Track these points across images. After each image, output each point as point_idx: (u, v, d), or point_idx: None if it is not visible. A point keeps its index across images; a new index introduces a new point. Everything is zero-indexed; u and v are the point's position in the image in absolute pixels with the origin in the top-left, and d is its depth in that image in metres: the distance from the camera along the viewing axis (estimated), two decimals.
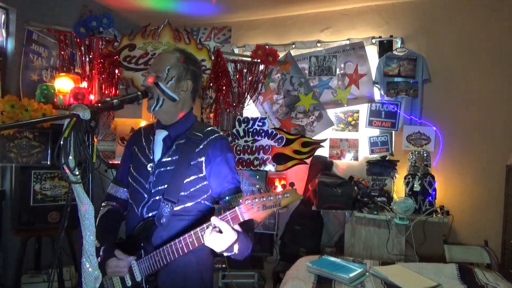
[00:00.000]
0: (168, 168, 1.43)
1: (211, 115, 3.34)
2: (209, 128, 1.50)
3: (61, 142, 1.08)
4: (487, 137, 3.15)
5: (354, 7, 3.61)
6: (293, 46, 3.73)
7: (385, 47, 3.43)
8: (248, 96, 3.42)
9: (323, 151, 3.55)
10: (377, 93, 3.48)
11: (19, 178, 2.69)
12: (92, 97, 2.81)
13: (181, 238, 1.31)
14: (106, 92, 2.77)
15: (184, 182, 1.41)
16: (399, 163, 3.24)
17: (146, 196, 1.45)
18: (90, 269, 1.24)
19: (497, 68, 3.13)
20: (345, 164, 3.61)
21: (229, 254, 1.28)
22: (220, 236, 1.21)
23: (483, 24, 3.18)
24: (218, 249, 1.24)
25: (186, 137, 1.45)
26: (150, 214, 1.43)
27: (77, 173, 1.11)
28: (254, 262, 3.37)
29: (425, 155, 3.13)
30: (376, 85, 3.46)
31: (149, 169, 1.46)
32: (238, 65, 3.33)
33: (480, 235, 3.09)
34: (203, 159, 1.42)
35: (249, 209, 1.21)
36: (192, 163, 1.41)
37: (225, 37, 4.06)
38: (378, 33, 3.51)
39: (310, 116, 3.67)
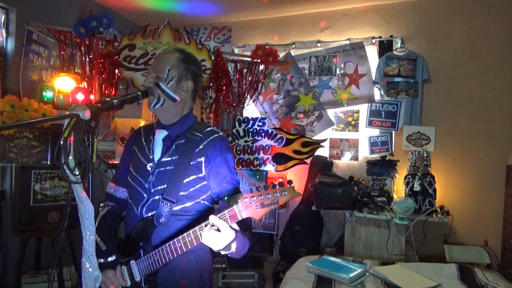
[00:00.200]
0: (167, 168, 1.43)
1: (211, 115, 3.34)
2: (209, 128, 1.50)
3: (61, 142, 1.08)
4: (487, 137, 3.15)
5: (354, 7, 3.61)
6: (293, 46, 3.73)
7: (385, 47, 3.43)
8: (248, 96, 3.42)
9: (323, 151, 3.55)
10: (377, 93, 3.48)
11: (19, 178, 2.69)
12: (92, 97, 2.81)
13: (180, 237, 1.31)
14: (106, 92, 2.77)
15: (184, 182, 1.41)
16: (399, 163, 3.24)
17: (145, 196, 1.45)
18: (90, 269, 1.24)
19: (497, 68, 3.13)
20: (345, 164, 3.62)
21: (226, 252, 1.29)
22: (218, 235, 1.22)
23: (483, 24, 3.18)
24: (215, 247, 1.25)
25: (186, 137, 1.45)
26: (149, 214, 1.43)
27: (77, 173, 1.11)
28: (254, 262, 3.37)
29: (425, 155, 3.13)
30: (376, 85, 3.46)
31: (149, 169, 1.46)
32: (238, 65, 3.33)
33: (480, 235, 3.09)
34: (202, 159, 1.42)
35: (247, 207, 1.21)
36: (191, 163, 1.41)
37: (225, 37, 4.06)
38: (378, 33, 3.51)
39: (310, 116, 3.67)
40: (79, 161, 1.11)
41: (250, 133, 3.45)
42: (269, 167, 3.40)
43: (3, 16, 2.79)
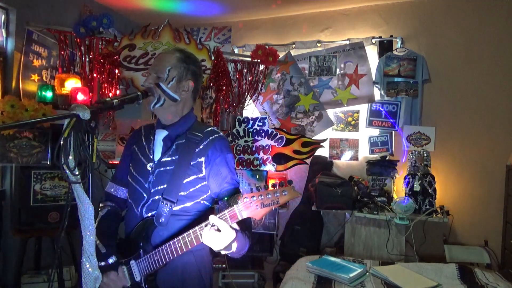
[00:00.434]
0: (167, 168, 1.43)
1: (211, 115, 3.34)
2: (209, 129, 1.50)
3: (61, 142, 1.08)
4: (487, 137, 3.15)
5: (354, 7, 3.61)
6: (293, 46, 3.73)
7: (385, 47, 3.43)
8: (248, 96, 3.42)
9: (323, 151, 3.55)
10: (377, 93, 3.48)
11: (19, 178, 2.69)
12: (92, 97, 2.81)
13: (180, 237, 1.31)
14: (106, 92, 2.77)
15: (184, 182, 1.41)
16: (399, 163, 3.24)
17: (145, 195, 1.45)
18: (90, 269, 1.24)
19: (497, 68, 3.13)
20: (345, 164, 3.61)
21: (227, 252, 1.29)
22: (218, 235, 1.21)
23: (483, 24, 3.18)
24: (216, 247, 1.24)
25: (186, 137, 1.45)
26: (149, 214, 1.43)
27: (77, 173, 1.11)
28: (254, 262, 3.37)
29: (425, 155, 3.13)
30: (376, 85, 3.46)
31: (149, 168, 1.46)
32: (238, 65, 3.33)
33: (480, 235, 3.09)
34: (202, 159, 1.42)
35: (247, 207, 1.21)
36: (192, 163, 1.41)
37: (225, 37, 4.06)
38: (378, 33, 3.51)
39: (310, 116, 3.67)
40: (79, 161, 1.11)
41: (250, 133, 3.45)
42: (269, 167, 3.40)
43: (3, 16, 2.79)
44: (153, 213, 1.42)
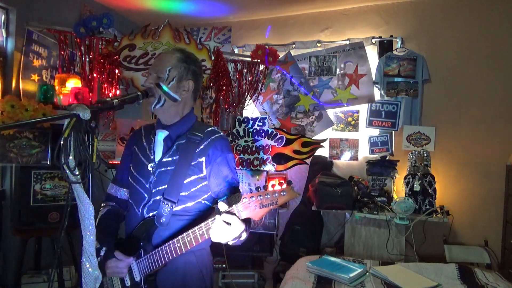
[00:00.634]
0: (168, 168, 1.43)
1: (211, 115, 3.34)
2: (210, 128, 1.50)
3: (61, 142, 1.08)
4: (487, 137, 3.15)
5: (354, 7, 3.61)
6: (293, 46, 3.73)
7: (385, 47, 3.43)
8: (248, 96, 3.42)
9: (323, 151, 3.55)
10: (377, 93, 3.48)
11: (19, 178, 2.68)
12: (92, 97, 2.81)
13: (179, 237, 1.32)
14: (106, 92, 2.77)
15: (185, 182, 1.41)
16: (399, 163, 3.24)
17: (146, 196, 1.45)
18: (90, 269, 1.24)
19: (497, 68, 3.13)
20: (345, 164, 3.61)
21: (234, 242, 1.28)
22: (228, 228, 1.21)
23: (483, 24, 3.18)
24: (224, 240, 1.25)
25: (187, 137, 1.46)
26: (150, 214, 1.43)
27: (77, 173, 1.11)
28: (254, 262, 3.37)
29: (425, 155, 3.13)
30: (376, 85, 3.46)
31: (150, 169, 1.46)
32: (238, 65, 3.33)
33: (480, 235, 3.09)
34: (203, 159, 1.42)
35: (246, 208, 1.22)
36: (192, 163, 1.42)
37: (225, 37, 4.06)
38: (378, 33, 3.51)
39: (310, 116, 3.67)
40: (79, 161, 1.11)
41: (250, 133, 3.45)
42: (269, 167, 3.40)
43: (3, 16, 2.79)
44: (154, 213, 1.42)
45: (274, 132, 3.42)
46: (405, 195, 2.99)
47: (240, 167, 3.39)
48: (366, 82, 3.48)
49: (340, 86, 3.58)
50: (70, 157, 1.10)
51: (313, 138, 3.55)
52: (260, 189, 1.22)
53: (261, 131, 3.44)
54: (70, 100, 2.74)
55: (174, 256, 1.34)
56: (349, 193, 3.02)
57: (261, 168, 3.39)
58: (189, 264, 1.44)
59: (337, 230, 3.48)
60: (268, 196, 1.21)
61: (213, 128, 1.52)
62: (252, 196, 1.21)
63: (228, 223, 1.21)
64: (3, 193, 2.77)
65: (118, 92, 2.82)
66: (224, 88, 3.11)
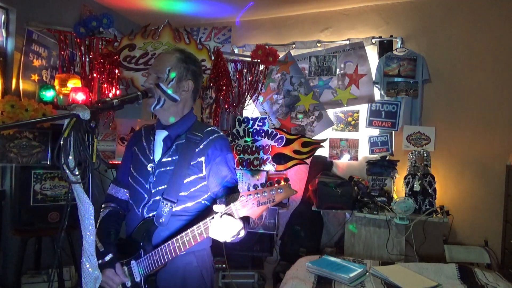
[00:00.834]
0: (168, 168, 1.43)
1: (212, 115, 3.34)
2: (209, 128, 1.50)
3: (61, 142, 1.08)
4: (487, 137, 3.15)
5: (354, 7, 3.61)
6: (293, 46, 3.73)
7: (385, 47, 3.43)
8: (248, 96, 3.42)
9: (323, 151, 3.55)
10: (377, 93, 3.48)
11: (19, 178, 2.69)
12: (92, 97, 2.81)
13: (178, 237, 1.32)
14: (106, 92, 2.77)
15: (184, 182, 1.41)
16: (399, 163, 3.24)
17: (146, 196, 1.45)
18: (90, 269, 1.24)
19: (497, 68, 3.13)
20: (345, 164, 3.61)
21: (233, 239, 1.29)
22: (226, 227, 1.22)
23: (483, 24, 3.18)
24: (222, 239, 1.26)
25: (186, 137, 1.46)
26: (150, 214, 1.43)
27: (77, 173, 1.11)
28: (254, 262, 3.37)
29: (425, 155, 3.13)
30: (376, 85, 3.46)
31: (150, 169, 1.46)
32: (238, 65, 3.33)
33: (480, 235, 3.09)
34: (202, 159, 1.43)
35: (244, 206, 1.22)
36: (192, 163, 1.42)
37: (225, 37, 4.05)
38: (378, 33, 3.51)
39: (310, 116, 3.67)
40: (79, 161, 1.11)
41: (250, 133, 3.45)
42: (269, 167, 3.40)
43: (3, 16, 2.79)
44: (154, 213, 1.42)
45: (274, 132, 3.42)
46: (405, 195, 2.99)
47: (240, 167, 3.40)
48: (366, 82, 3.47)
49: (340, 86, 3.58)
50: (70, 157, 1.10)
51: (313, 138, 3.55)
52: (258, 187, 1.23)
53: (261, 131, 3.44)
54: (70, 100, 2.74)
55: (174, 255, 1.34)
56: (349, 193, 3.02)
57: (261, 168, 3.39)
58: (190, 265, 1.44)
59: (337, 230, 3.48)
60: (265, 194, 1.21)
61: (212, 128, 1.52)
62: (250, 194, 1.22)
63: (227, 223, 1.21)
64: (3, 193, 2.77)
65: (118, 92, 2.82)
66: (224, 88, 3.11)
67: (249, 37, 3.98)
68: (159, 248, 1.36)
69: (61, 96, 2.86)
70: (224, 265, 3.01)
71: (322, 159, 3.59)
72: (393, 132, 3.42)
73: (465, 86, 3.23)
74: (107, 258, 1.38)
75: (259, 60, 3.28)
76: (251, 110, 3.77)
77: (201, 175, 1.43)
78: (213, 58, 3.04)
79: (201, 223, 1.28)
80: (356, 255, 2.97)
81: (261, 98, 3.72)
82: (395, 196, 3.14)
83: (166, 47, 2.86)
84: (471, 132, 3.21)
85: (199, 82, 1.54)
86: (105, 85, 2.76)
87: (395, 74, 3.36)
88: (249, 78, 3.35)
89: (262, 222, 3.24)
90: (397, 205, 2.87)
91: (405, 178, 3.08)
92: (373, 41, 3.49)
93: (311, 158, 3.46)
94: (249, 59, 3.30)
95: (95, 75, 2.78)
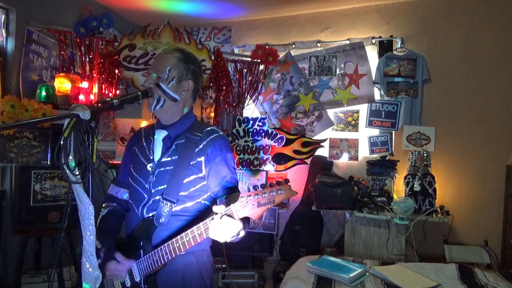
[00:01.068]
0: (167, 168, 1.43)
1: (211, 115, 3.34)
2: (209, 128, 1.50)
3: (61, 142, 1.08)
4: (487, 137, 3.15)
5: (354, 7, 3.61)
6: (293, 46, 3.73)
7: (385, 47, 3.42)
8: (248, 96, 3.42)
9: (323, 151, 3.55)
10: (377, 93, 3.48)
11: (19, 178, 2.69)
12: (92, 97, 2.81)
13: (178, 237, 1.32)
14: (106, 92, 2.77)
15: (184, 182, 1.41)
16: (399, 163, 3.24)
17: (146, 196, 1.45)
18: (90, 269, 1.24)
19: (497, 68, 3.13)
20: (345, 164, 3.61)
21: (233, 239, 1.29)
22: (226, 228, 1.22)
23: (483, 24, 3.18)
24: (222, 240, 1.26)
25: (186, 137, 1.46)
26: (150, 214, 1.43)
27: (77, 173, 1.11)
28: (254, 262, 3.37)
29: (425, 155, 3.13)
30: (376, 85, 3.46)
31: (149, 169, 1.46)
32: (238, 65, 3.33)
33: (480, 235, 3.09)
34: (202, 159, 1.43)
35: (244, 207, 1.22)
36: (191, 163, 1.41)
37: (225, 37, 4.05)
38: (378, 33, 3.51)
39: (310, 116, 3.67)
40: (79, 161, 1.11)
41: (250, 133, 3.45)
42: (269, 167, 3.40)
43: (3, 16, 2.79)
44: (153, 213, 1.42)
45: (274, 132, 3.42)
46: (405, 195, 2.99)
47: (240, 167, 3.40)
48: (366, 82, 3.47)
49: (340, 86, 3.58)
50: (70, 157, 1.10)
51: (313, 138, 3.55)
52: (258, 188, 1.23)
53: (261, 131, 3.44)
54: (70, 100, 2.74)
55: (173, 256, 1.34)
56: (349, 193, 3.01)
57: (261, 168, 3.39)
58: (189, 265, 1.44)
59: (337, 230, 3.48)
60: (265, 195, 1.21)
61: (212, 127, 1.52)
62: (250, 195, 1.22)
63: (227, 224, 1.21)
64: (3, 193, 2.77)
65: (118, 92, 2.82)
66: (224, 88, 3.11)
67: (249, 37, 3.98)
68: (158, 248, 1.36)
69: (61, 96, 2.86)
70: (224, 265, 3.01)
71: (322, 159, 3.59)
72: (393, 132, 3.42)
73: (465, 86, 3.23)
74: (102, 253, 1.39)
75: (259, 60, 3.28)
76: (251, 110, 3.77)
77: (200, 175, 1.43)
78: (213, 58, 3.04)
79: (201, 224, 1.28)
80: (356, 255, 2.97)
81: (261, 98, 3.72)
82: (395, 196, 3.14)
83: (166, 47, 2.86)
84: (471, 132, 3.21)
85: (199, 82, 1.54)
86: (105, 85, 2.76)
87: (395, 74, 3.36)
88: (249, 78, 3.35)
89: (262, 222, 3.24)
90: (397, 205, 2.87)
91: (405, 178, 3.08)
92: (373, 41, 3.49)
93: (311, 158, 3.45)
94: (249, 59, 3.30)
95: (95, 75, 2.78)
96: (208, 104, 3.28)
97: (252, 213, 1.23)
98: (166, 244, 1.34)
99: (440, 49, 3.32)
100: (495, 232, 3.02)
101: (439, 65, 3.31)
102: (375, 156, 3.39)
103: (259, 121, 3.45)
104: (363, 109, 3.54)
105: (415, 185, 2.96)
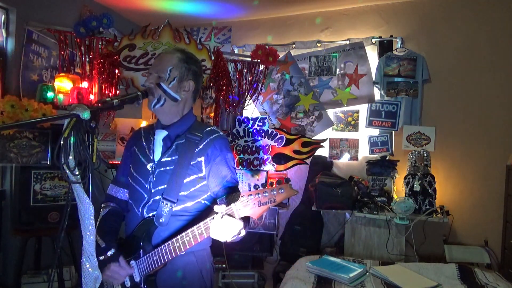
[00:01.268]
0: (167, 168, 1.43)
1: (211, 115, 3.34)
2: (209, 128, 1.50)
3: (61, 142, 1.08)
4: (487, 137, 3.15)
5: (354, 7, 3.61)
6: (293, 46, 3.73)
7: (385, 47, 3.43)
8: (248, 96, 3.42)
9: (323, 151, 3.55)
10: (377, 93, 3.48)
11: (19, 178, 2.69)
12: (92, 97, 2.81)
13: (178, 237, 1.32)
14: (106, 92, 2.77)
15: (184, 182, 1.41)
16: (399, 163, 3.24)
17: (146, 196, 1.45)
18: (90, 269, 1.24)
19: (496, 68, 3.13)
20: (345, 164, 3.61)
21: (233, 239, 1.29)
22: (227, 228, 1.23)
23: (483, 24, 3.18)
24: (223, 239, 1.26)
25: (186, 137, 1.46)
26: (150, 214, 1.43)
27: (77, 173, 1.11)
28: (254, 262, 3.37)
29: (425, 155, 3.13)
30: (376, 85, 3.46)
31: (149, 169, 1.46)
32: (238, 65, 3.33)
33: (480, 235, 3.09)
34: (202, 158, 1.43)
35: (245, 206, 1.23)
36: (192, 163, 1.42)
37: (225, 37, 4.05)
38: (378, 33, 3.51)
39: (310, 116, 3.67)
40: (79, 161, 1.11)
41: (250, 133, 3.45)
42: (269, 167, 3.39)
43: (3, 16, 2.79)
44: (153, 213, 1.42)
45: (274, 132, 3.42)
46: (405, 195, 2.99)
47: (240, 167, 3.40)
48: (366, 82, 3.47)
49: (340, 86, 3.58)
50: (70, 157, 1.10)
51: (313, 138, 3.55)
52: (259, 187, 1.23)
53: (261, 131, 3.44)
54: (70, 100, 2.74)
55: (174, 255, 1.34)
56: (349, 193, 3.01)
57: (261, 168, 3.39)
58: (189, 265, 1.44)
59: (337, 230, 3.48)
60: (266, 194, 1.21)
61: (212, 127, 1.52)
62: (250, 194, 1.22)
63: (227, 223, 1.21)
64: (3, 193, 2.77)
65: (118, 92, 2.82)
66: (224, 88, 3.11)
67: (249, 37, 3.98)
68: (159, 248, 1.36)
69: (61, 96, 2.86)
70: (224, 265, 3.01)
71: (322, 159, 3.59)
72: (393, 132, 3.42)
73: (465, 86, 3.23)
74: (110, 253, 1.38)
75: (259, 60, 3.28)
76: (251, 110, 3.77)
77: (201, 175, 1.43)
78: (213, 58, 3.04)
79: (201, 223, 1.28)
80: (356, 255, 2.97)
81: (261, 98, 3.72)
82: (395, 196, 3.14)
83: (166, 47, 2.86)
84: (471, 132, 3.21)
85: (200, 82, 1.54)
86: (105, 85, 2.76)
87: (395, 74, 3.36)
88: (249, 78, 3.35)
89: (262, 222, 3.24)
90: (397, 205, 2.87)
91: (405, 178, 3.08)
92: (373, 41, 3.49)
93: (311, 158, 3.45)
94: (249, 59, 3.30)
95: (95, 75, 2.78)
96: (208, 104, 3.28)
97: (253, 212, 1.23)
98: (166, 244, 1.34)
99: (440, 49, 3.32)
100: (495, 232, 3.02)
101: (439, 65, 3.31)
102: (375, 156, 3.39)
103: (259, 121, 3.45)
104: (363, 109, 3.54)
105: (415, 185, 2.96)
